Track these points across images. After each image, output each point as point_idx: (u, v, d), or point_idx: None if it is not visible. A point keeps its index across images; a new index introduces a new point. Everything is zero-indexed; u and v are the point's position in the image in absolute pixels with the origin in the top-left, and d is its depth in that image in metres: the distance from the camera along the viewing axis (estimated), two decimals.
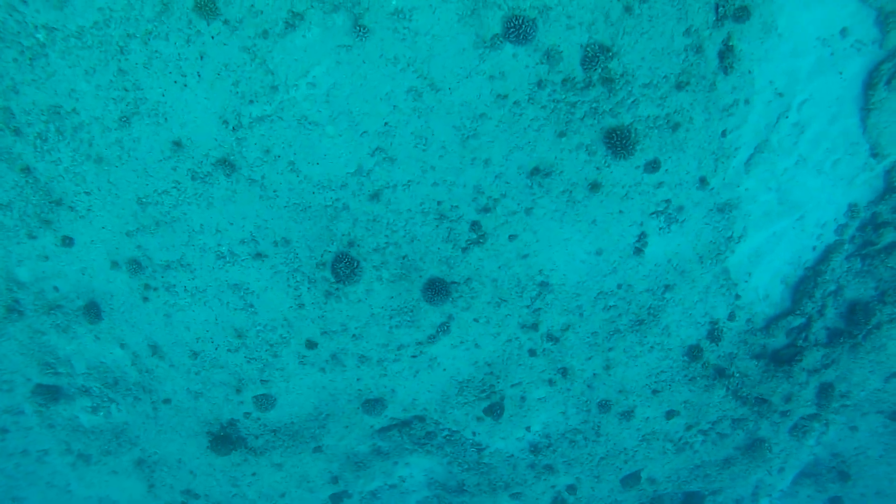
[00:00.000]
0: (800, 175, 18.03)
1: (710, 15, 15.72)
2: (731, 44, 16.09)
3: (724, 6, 15.54)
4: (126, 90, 16.78)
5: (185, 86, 16.71)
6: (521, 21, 16.17)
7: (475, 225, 18.23)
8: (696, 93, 16.41)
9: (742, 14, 15.63)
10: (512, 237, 17.87)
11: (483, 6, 16.14)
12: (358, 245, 18.57)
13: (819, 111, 17.18)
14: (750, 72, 16.52)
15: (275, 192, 17.82)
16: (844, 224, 18.82)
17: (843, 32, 16.13)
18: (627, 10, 16.27)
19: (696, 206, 17.86)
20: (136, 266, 18.73)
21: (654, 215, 17.86)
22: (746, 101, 16.73)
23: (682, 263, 18.60)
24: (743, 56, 16.25)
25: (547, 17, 16.33)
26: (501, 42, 16.36)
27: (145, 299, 19.31)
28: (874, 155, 17.76)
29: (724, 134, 17.14)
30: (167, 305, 19.43)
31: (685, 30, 15.82)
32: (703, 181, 17.59)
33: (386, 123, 17.15)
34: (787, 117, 17.16)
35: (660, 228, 18.20)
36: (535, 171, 17.38)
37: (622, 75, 16.06)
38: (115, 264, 18.78)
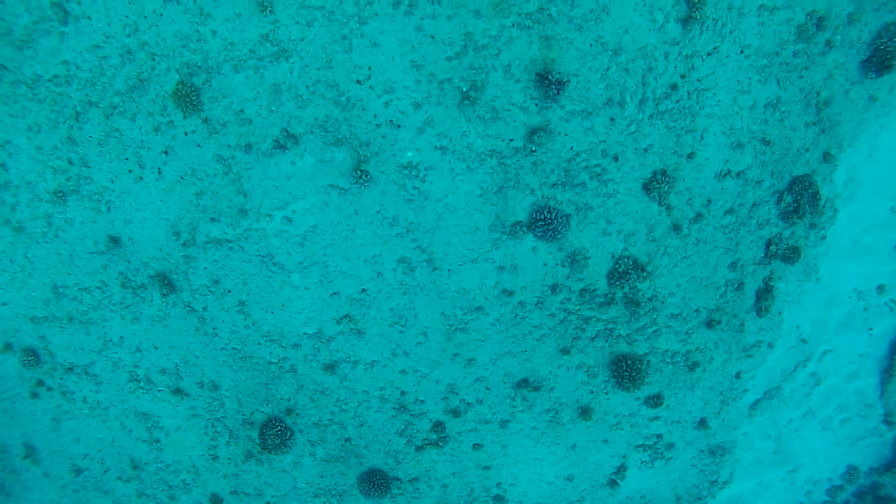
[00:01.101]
0: (804, 428, 15.09)
1: (760, 251, 12.97)
2: (771, 284, 13.31)
3: (776, 244, 12.94)
4: (70, 163, 11.23)
5: (141, 178, 11.06)
6: (553, 215, 10.89)
7: (438, 426, 12.44)
8: (725, 332, 13.45)
9: (792, 255, 13.08)
10: (477, 446, 13.38)
11: (514, 186, 10.73)
12: (297, 414, 12.57)
13: (839, 365, 14.58)
14: (780, 313, 13.65)
15: (214, 329, 11.95)
16: (839, 486, 15.69)
17: (880, 289, 13.92)
18: (675, 228, 12.46)
19: (688, 445, 14.53)
20: (32, 357, 12.77)
21: (640, 448, 14.34)
22: (770, 345, 13.82)
23: (657, 502, 14.58)
24: (777, 297, 13.40)
25: (584, 216, 11.24)
26: (524, 232, 11.03)
27: (35, 395, 13.39)
28: (888, 422, 15.00)
29: (738, 375, 14.02)
30: (59, 409, 13.48)
31: (731, 263, 12.92)
32: (702, 422, 14.31)
33: (364, 290, 11.41)
34: (805, 366, 14.45)
35: (642, 462, 14.50)
36: (523, 384, 13.47)
37: (650, 299, 12.84)
38: (8, 346, 13.02)
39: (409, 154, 10.76)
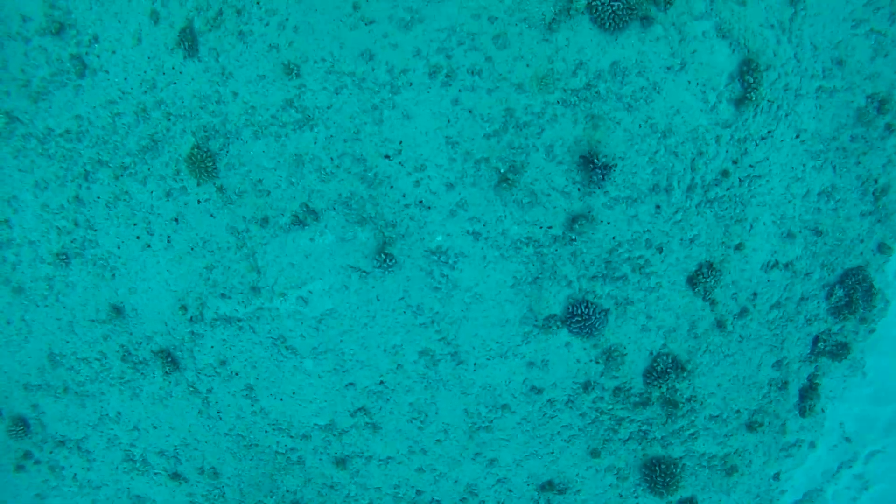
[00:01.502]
0: None
1: (807, 348, 11.32)
2: (816, 381, 11.66)
3: (824, 340, 11.28)
4: (76, 224, 9.75)
5: (149, 246, 9.50)
6: (591, 310, 9.20)
7: None
8: (766, 434, 11.78)
9: (841, 352, 11.44)
10: None
11: (550, 278, 9.16)
12: None
13: (889, 468, 12.44)
14: (823, 410, 11.97)
15: (219, 413, 10.28)
16: None
17: None
18: (719, 324, 10.91)
19: None
20: (22, 427, 11.07)
21: None
22: (812, 444, 12.13)
23: None
24: (821, 393, 11.64)
25: (623, 311, 9.84)
26: (557, 326, 9.33)
27: (20, 468, 11.57)
28: None
29: (776, 476, 12.29)
30: (45, 485, 11.65)
31: (776, 361, 11.29)
32: None
33: (382, 382, 9.70)
34: (850, 467, 12.54)
35: None
36: (548, 486, 11.73)
37: (689, 400, 11.20)
38: None
39: (439, 238, 9.20)
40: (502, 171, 9.21)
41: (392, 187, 9.31)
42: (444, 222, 9.43)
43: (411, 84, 9.03)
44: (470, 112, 9.10)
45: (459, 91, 9.07)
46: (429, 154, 9.22)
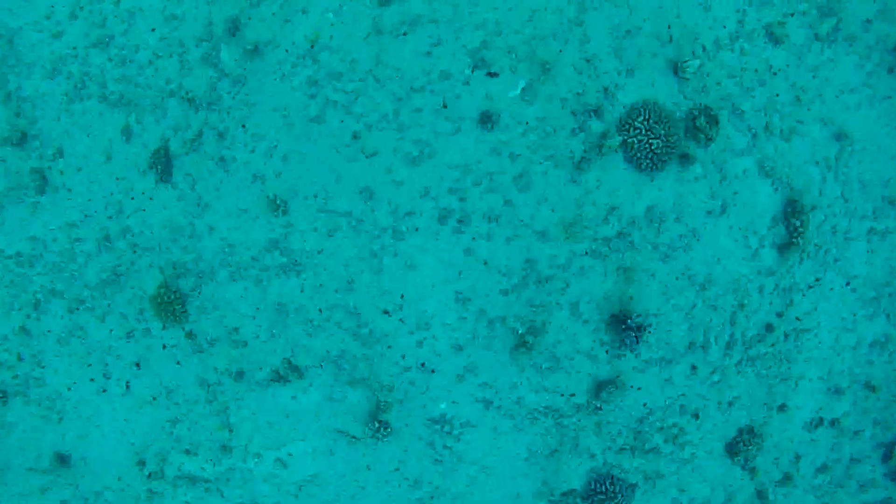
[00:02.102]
0: None
1: None
2: None
3: None
4: (20, 358, 7.70)
5: (104, 390, 7.35)
6: (616, 487, 7.17)
7: None
8: None
9: None
10: None
11: (570, 451, 7.30)
12: None
13: None
14: None
15: None
16: None
17: None
18: (760, 495, 8.73)
19: None
20: None
21: None
22: None
23: None
24: None
25: (653, 485, 8.33)
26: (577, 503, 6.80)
27: None
28: None
29: None
30: None
31: None
32: None
33: None
34: None
35: None
36: None
37: None
38: None
39: (443, 406, 7.07)
40: (520, 332, 7.12)
41: (390, 347, 7.17)
42: (450, 388, 7.28)
43: (417, 229, 6.98)
44: (485, 264, 7.04)
45: (473, 239, 7.02)
46: (435, 311, 7.12)
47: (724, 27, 7.98)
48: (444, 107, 7.23)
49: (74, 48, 8.03)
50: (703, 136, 7.79)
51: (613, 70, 7.67)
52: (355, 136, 7.27)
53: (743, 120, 7.91)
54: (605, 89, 7.59)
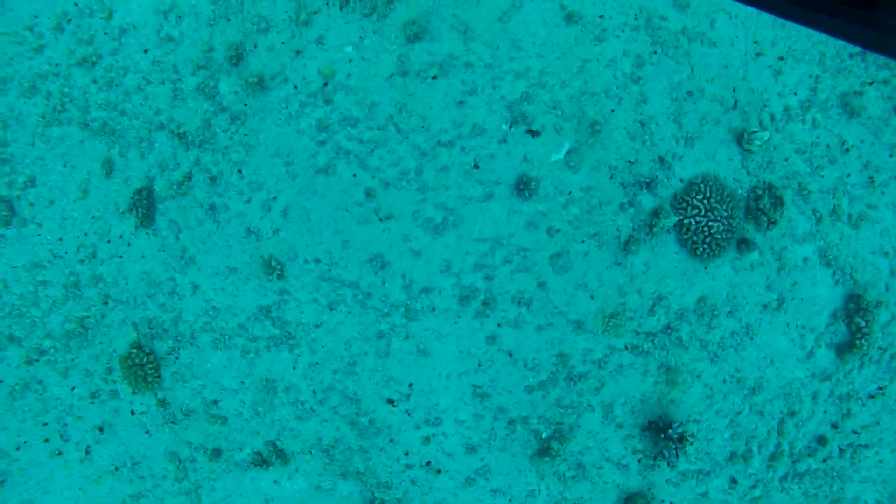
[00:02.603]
0: None
1: None
2: None
3: None
4: None
5: (60, 453, 5.88)
6: None
7: None
8: None
9: None
10: None
11: None
12: None
13: None
14: None
15: None
16: None
17: None
18: None
19: None
20: None
21: None
22: None
23: None
24: None
25: None
26: None
27: None
28: None
29: None
30: None
31: None
32: None
33: None
34: None
35: None
36: None
37: None
38: None
39: None
40: (544, 435, 5.58)
41: (392, 441, 5.60)
42: (457, 492, 5.73)
43: (434, 309, 5.40)
44: (510, 356, 5.48)
45: (499, 325, 5.45)
46: (447, 405, 5.56)
47: (796, 94, 6.42)
48: (476, 167, 5.65)
49: (57, 65, 6.44)
50: (765, 218, 6.24)
51: (671, 137, 6.10)
52: (369, 195, 5.68)
53: (808, 201, 6.38)
54: (661, 159, 6.02)
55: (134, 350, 6.29)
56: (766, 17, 6.69)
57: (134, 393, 6.39)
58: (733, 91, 6.37)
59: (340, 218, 5.87)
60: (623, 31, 6.24)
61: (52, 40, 6.56)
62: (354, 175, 5.86)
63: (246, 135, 6.04)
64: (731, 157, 6.24)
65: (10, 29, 6.56)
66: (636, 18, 6.24)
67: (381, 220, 5.79)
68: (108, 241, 6.44)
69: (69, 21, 6.53)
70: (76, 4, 6.51)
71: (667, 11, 6.34)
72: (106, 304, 6.42)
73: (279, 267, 5.86)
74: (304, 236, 5.94)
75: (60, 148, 6.57)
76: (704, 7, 6.45)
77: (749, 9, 6.73)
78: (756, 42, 6.51)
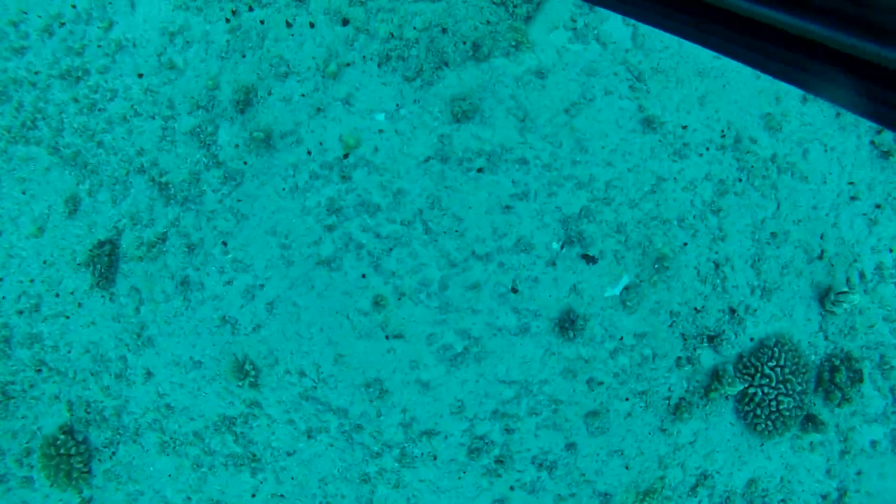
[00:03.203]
0: None
1: None
2: None
3: None
4: None
5: None
6: None
7: None
8: None
9: None
10: None
11: None
12: None
13: None
14: None
15: None
16: None
17: None
18: None
19: None
20: None
21: None
22: None
23: None
24: None
25: None
26: None
27: None
28: None
29: None
30: None
31: None
32: None
33: None
34: None
35: None
36: None
37: None
38: None
39: None
40: None
41: None
42: None
43: (435, 458, 3.85)
44: None
45: (511, 489, 3.96)
46: None
47: (892, 251, 4.87)
48: (514, 291, 4.07)
49: (36, 73, 4.82)
50: (838, 394, 4.68)
51: (746, 285, 4.55)
52: (377, 304, 4.06)
53: (888, 378, 4.85)
54: (732, 310, 4.47)
55: (63, 435, 4.60)
56: (864, 154, 5.16)
57: (52, 486, 4.70)
58: (821, 238, 4.85)
59: (338, 325, 4.24)
60: (707, 148, 4.68)
61: (37, 43, 4.92)
62: (363, 276, 4.23)
63: (239, 200, 4.40)
64: (810, 318, 4.70)
65: None
66: (723, 136, 4.69)
67: (387, 337, 4.17)
68: (57, 295, 4.77)
69: (62, 25, 4.90)
70: (74, 6, 4.86)
71: (757, 133, 4.80)
72: (39, 371, 4.74)
73: (254, 372, 4.21)
74: (290, 340, 4.30)
75: (22, 171, 4.93)
76: (798, 133, 4.91)
77: (848, 143, 5.22)
78: (851, 183, 4.99)
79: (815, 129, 5.06)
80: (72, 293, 4.92)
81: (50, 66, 5.04)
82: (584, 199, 4.57)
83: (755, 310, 4.78)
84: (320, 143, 4.57)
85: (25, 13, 5.13)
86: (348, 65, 4.60)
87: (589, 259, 4.51)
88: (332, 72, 4.57)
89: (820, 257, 5.04)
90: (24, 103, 5.13)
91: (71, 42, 5.07)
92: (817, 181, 5.00)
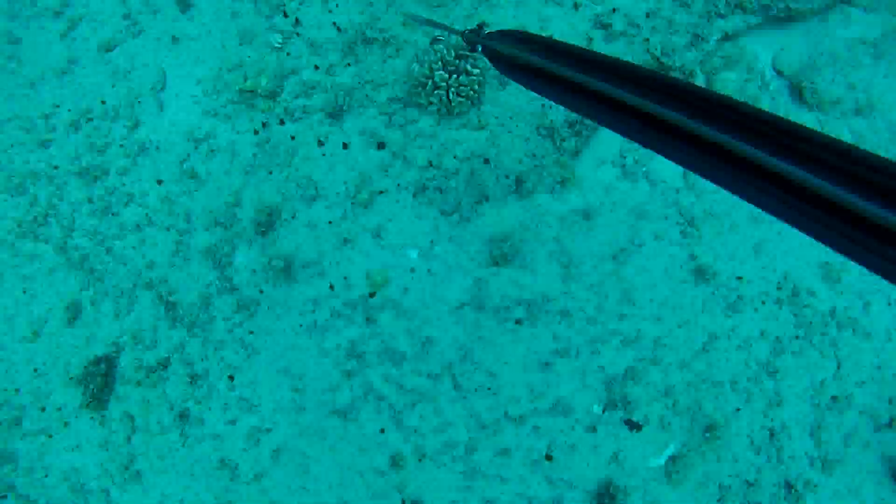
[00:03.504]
0: None
1: None
2: None
3: None
4: None
5: None
6: None
7: None
8: None
9: None
10: None
11: None
12: None
13: None
14: None
15: None
16: None
17: None
18: None
19: None
20: None
21: None
22: None
23: None
24: None
25: None
26: None
27: None
28: None
29: None
30: None
31: None
32: None
33: None
34: None
35: None
36: None
37: None
38: None
39: None
40: None
41: None
42: None
43: None
44: None
45: None
46: None
47: None
48: (549, 458, 3.43)
49: (55, 168, 4.29)
50: None
51: (805, 456, 3.89)
52: (396, 463, 3.39)
53: None
54: (789, 485, 3.81)
55: None
56: None
57: None
58: (889, 403, 4.17)
59: (350, 483, 3.57)
60: (763, 302, 4.08)
61: (62, 137, 4.47)
62: (382, 431, 3.59)
63: (252, 332, 3.80)
64: (883, 497, 3.98)
65: (26, 113, 4.48)
66: (779, 288, 4.11)
67: (403, 501, 3.49)
68: (42, 410, 4.17)
69: (90, 120, 4.43)
70: (103, 102, 4.38)
71: (814, 284, 4.22)
72: (4, 497, 4.07)
73: None
74: (295, 494, 3.63)
75: (26, 268, 4.40)
76: (858, 285, 4.32)
77: None
78: None
79: (877, 280, 4.48)
80: (59, 409, 4.31)
81: (70, 161, 4.58)
82: (630, 357, 3.96)
83: (816, 485, 4.10)
84: (345, 278, 4.00)
85: (58, 106, 4.70)
86: (381, 192, 4.08)
87: (633, 425, 3.87)
88: (363, 200, 4.04)
89: (889, 425, 4.38)
90: (40, 198, 4.64)
91: (94, 139, 4.62)
92: (881, 339, 4.39)
